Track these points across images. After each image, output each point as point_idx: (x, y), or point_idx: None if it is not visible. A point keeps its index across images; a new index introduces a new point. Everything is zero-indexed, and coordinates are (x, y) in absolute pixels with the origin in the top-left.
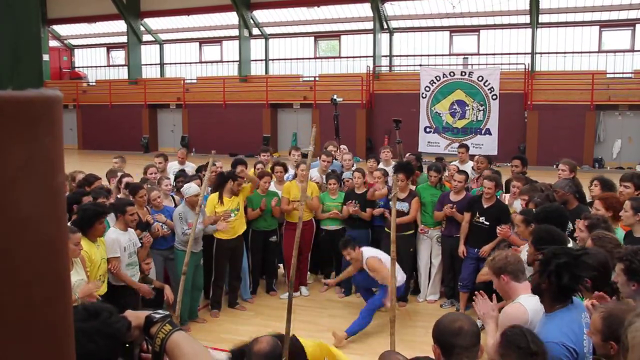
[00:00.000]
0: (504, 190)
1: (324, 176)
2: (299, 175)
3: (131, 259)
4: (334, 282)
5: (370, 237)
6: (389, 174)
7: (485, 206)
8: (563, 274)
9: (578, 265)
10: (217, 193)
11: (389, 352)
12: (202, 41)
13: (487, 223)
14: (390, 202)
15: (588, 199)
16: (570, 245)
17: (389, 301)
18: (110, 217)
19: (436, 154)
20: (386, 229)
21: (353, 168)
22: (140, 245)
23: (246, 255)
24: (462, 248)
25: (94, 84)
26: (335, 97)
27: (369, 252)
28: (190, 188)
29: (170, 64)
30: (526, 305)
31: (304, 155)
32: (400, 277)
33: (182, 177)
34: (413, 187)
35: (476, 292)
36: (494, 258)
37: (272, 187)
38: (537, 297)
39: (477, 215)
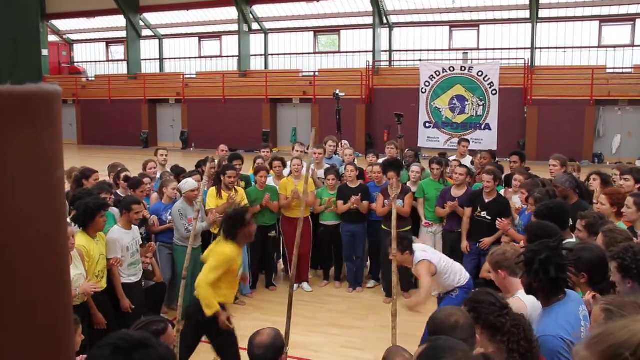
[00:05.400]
0: (504, 186)
1: (318, 171)
2: (292, 171)
3: (134, 258)
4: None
5: (366, 230)
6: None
7: (486, 201)
8: (549, 268)
9: (560, 255)
10: (216, 188)
11: (396, 347)
12: (202, 36)
13: (489, 218)
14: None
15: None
16: (572, 240)
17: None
18: (116, 212)
19: (436, 149)
20: (383, 227)
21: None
22: (142, 243)
23: (245, 251)
24: (464, 244)
25: (93, 79)
26: (337, 91)
27: (421, 255)
28: (187, 183)
29: (170, 59)
30: (525, 300)
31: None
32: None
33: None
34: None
35: (472, 291)
36: (493, 253)
37: (271, 182)
38: None
39: (479, 210)
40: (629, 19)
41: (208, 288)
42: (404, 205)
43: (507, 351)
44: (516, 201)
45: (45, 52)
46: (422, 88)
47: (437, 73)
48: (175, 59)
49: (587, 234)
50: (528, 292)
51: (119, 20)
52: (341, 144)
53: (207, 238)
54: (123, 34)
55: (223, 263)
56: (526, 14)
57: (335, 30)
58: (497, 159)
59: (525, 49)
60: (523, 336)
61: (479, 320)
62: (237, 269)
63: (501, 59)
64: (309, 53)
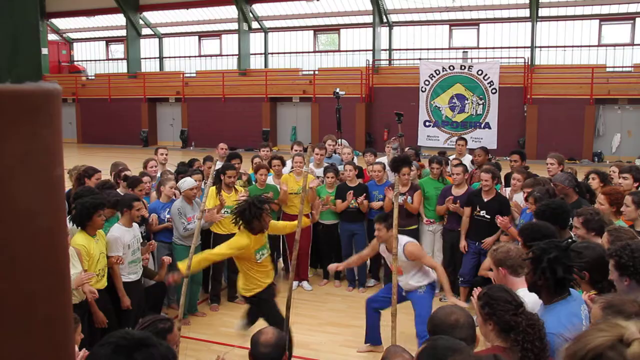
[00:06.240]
0: (503, 184)
1: (317, 169)
2: (295, 168)
3: (134, 255)
4: (342, 266)
5: (365, 229)
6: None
7: (485, 200)
8: (556, 268)
9: (568, 256)
10: (215, 187)
11: (395, 347)
12: (202, 35)
13: (488, 217)
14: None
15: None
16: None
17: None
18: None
19: (435, 148)
20: None
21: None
22: (142, 241)
23: None
24: (462, 243)
25: (93, 77)
26: (337, 90)
27: (405, 237)
28: (185, 182)
29: (170, 57)
30: (525, 299)
31: (305, 150)
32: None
33: (181, 173)
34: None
35: (474, 289)
36: (497, 249)
37: (271, 181)
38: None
39: (478, 209)
40: (629, 17)
41: (203, 258)
42: (414, 202)
43: (522, 350)
44: (519, 200)
45: (45, 50)
46: (422, 87)
47: (437, 72)
48: (175, 57)
49: (585, 230)
50: (531, 289)
51: (119, 19)
52: (340, 142)
53: (206, 237)
54: (123, 32)
55: (233, 246)
56: (526, 12)
57: (335, 29)
58: (497, 158)
59: (525, 47)
60: (537, 336)
61: (492, 316)
62: (252, 256)
63: (501, 58)
64: (308, 52)
